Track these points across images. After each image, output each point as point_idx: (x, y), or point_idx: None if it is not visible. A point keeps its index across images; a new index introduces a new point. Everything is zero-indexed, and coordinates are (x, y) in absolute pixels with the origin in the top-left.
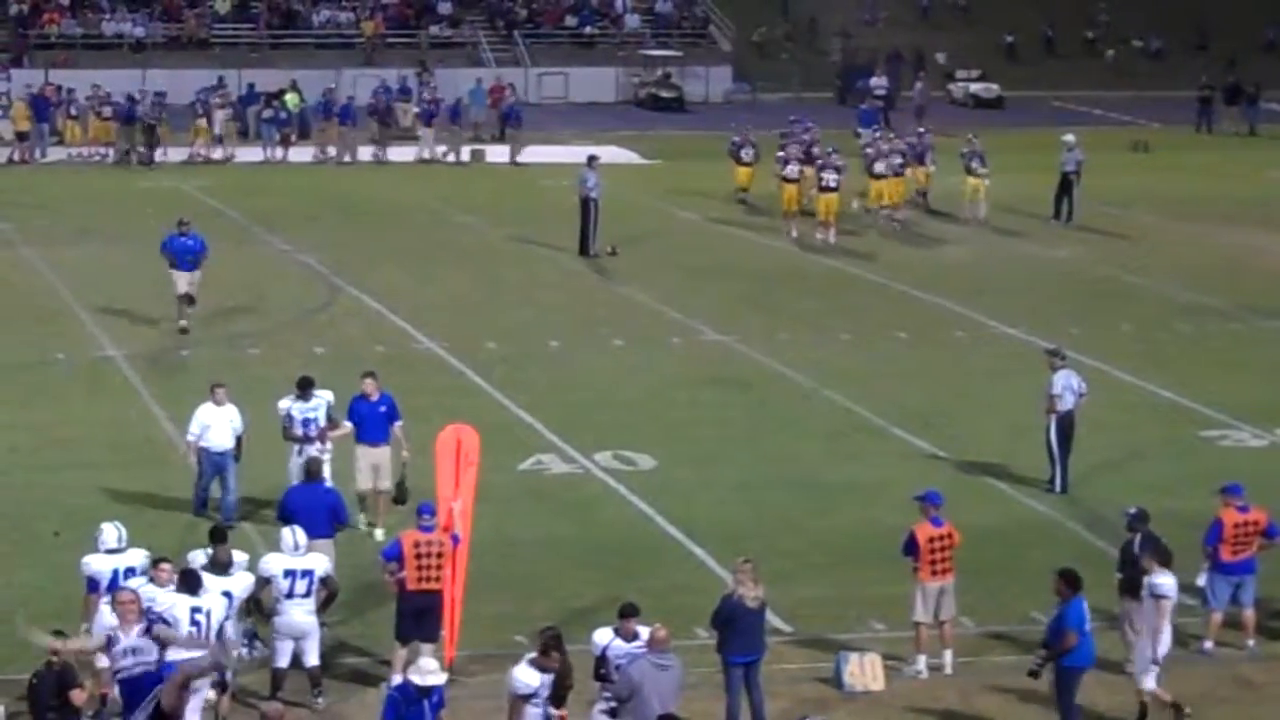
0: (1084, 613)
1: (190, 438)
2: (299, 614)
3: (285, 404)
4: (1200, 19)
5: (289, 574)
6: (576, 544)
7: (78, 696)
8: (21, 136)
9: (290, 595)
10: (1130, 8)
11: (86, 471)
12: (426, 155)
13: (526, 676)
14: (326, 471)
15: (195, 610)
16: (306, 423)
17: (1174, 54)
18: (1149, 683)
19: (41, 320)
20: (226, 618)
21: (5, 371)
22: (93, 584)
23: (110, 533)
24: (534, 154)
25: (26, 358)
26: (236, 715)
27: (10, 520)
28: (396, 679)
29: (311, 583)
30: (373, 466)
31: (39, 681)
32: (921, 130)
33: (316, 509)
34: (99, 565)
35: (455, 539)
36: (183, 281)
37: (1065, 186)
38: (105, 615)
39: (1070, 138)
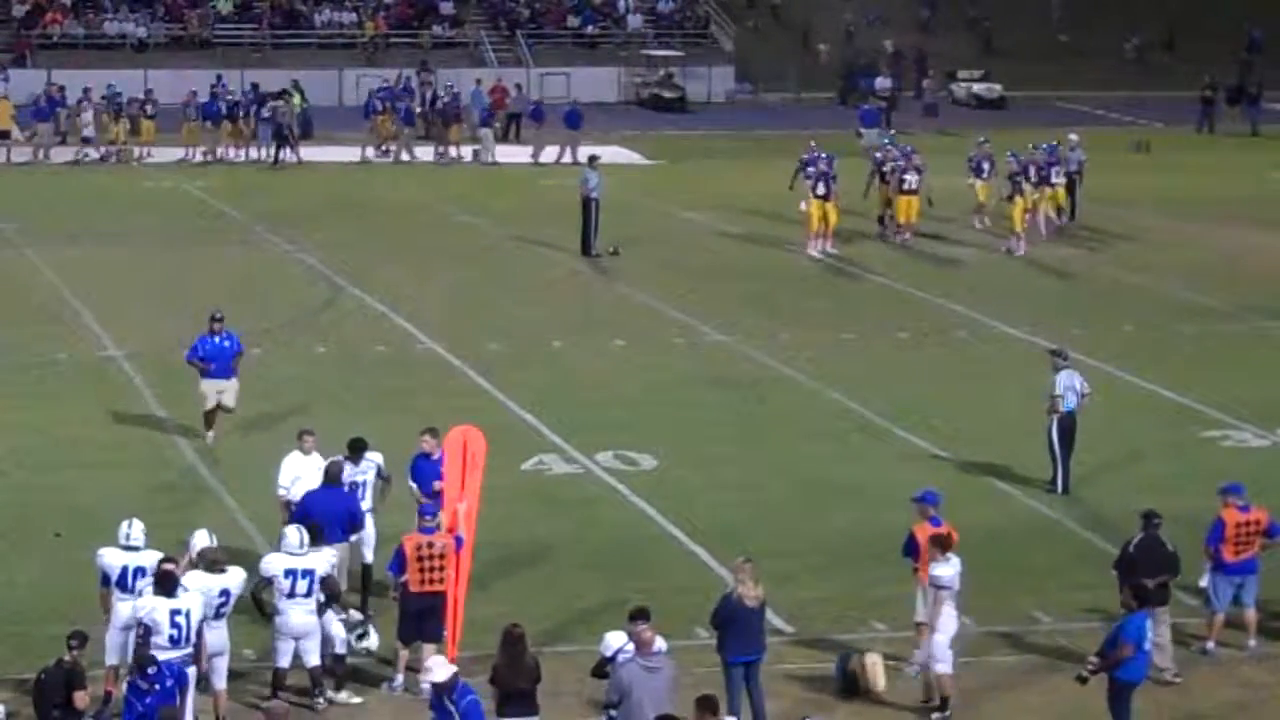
0: (1145, 628)
1: (281, 491)
2: (300, 614)
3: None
4: (1199, 20)
5: (290, 574)
6: (578, 544)
7: (80, 699)
8: (4, 135)
9: (292, 595)
10: (1133, 7)
11: (87, 471)
12: (489, 158)
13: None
14: (371, 528)
15: (175, 612)
16: (355, 486)
17: (1176, 54)
18: (941, 668)
19: (43, 320)
20: (223, 614)
21: (6, 371)
22: (104, 578)
23: (125, 528)
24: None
25: (28, 358)
26: (239, 715)
27: (10, 520)
28: (398, 679)
29: (313, 582)
30: None
31: (46, 679)
32: (1051, 146)
33: (334, 513)
34: (111, 559)
35: (459, 541)
36: (213, 392)
37: (1067, 186)
38: (121, 611)
39: (1073, 137)
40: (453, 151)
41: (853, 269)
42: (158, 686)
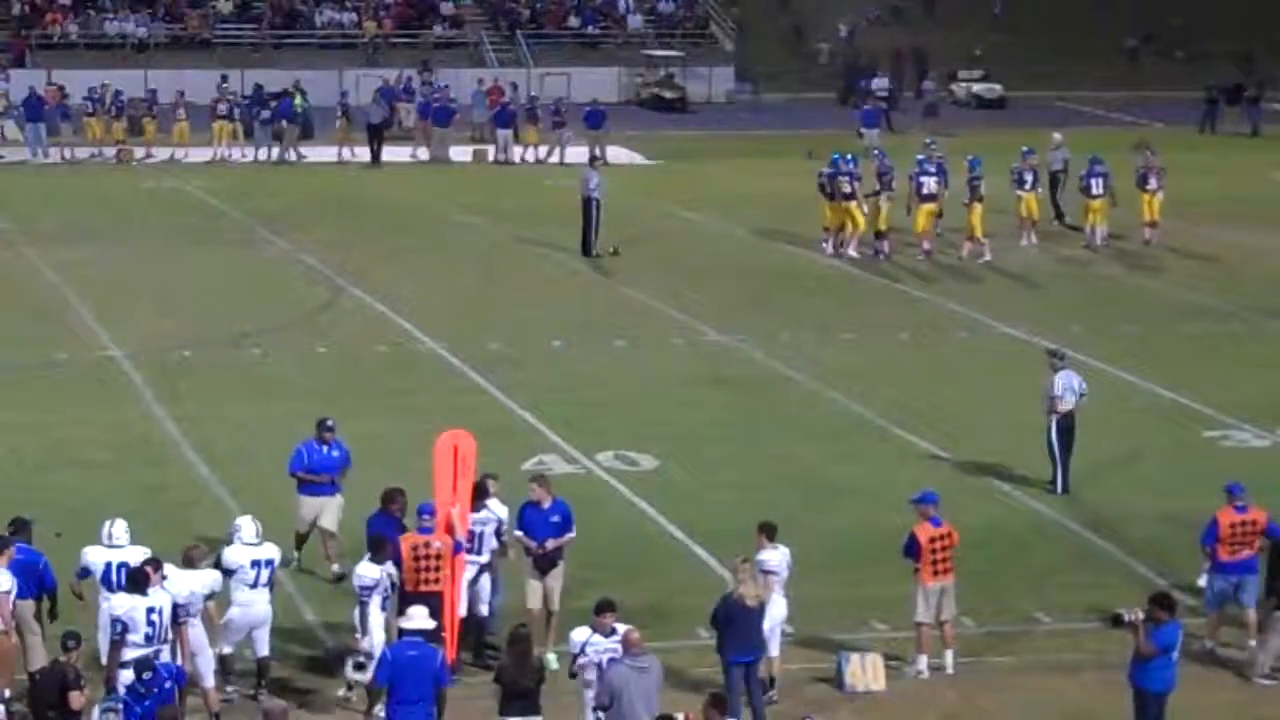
0: (1177, 638)
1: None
2: (263, 603)
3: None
4: (1200, 19)
5: (255, 564)
6: (578, 544)
7: (75, 700)
8: None
9: (255, 585)
10: (1134, 6)
11: (87, 472)
12: (521, 158)
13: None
14: (486, 580)
15: (150, 610)
16: (471, 536)
17: (1177, 53)
18: (771, 651)
19: (43, 320)
20: (192, 613)
21: (6, 371)
22: (83, 570)
23: (108, 527)
24: (535, 154)
25: (28, 358)
26: (237, 714)
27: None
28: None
29: (272, 571)
30: (547, 587)
31: (41, 679)
32: (1093, 156)
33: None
34: (93, 556)
35: (459, 546)
36: (314, 510)
37: (1053, 185)
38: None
39: (1057, 136)
40: (517, 153)
41: (853, 269)
42: (156, 690)
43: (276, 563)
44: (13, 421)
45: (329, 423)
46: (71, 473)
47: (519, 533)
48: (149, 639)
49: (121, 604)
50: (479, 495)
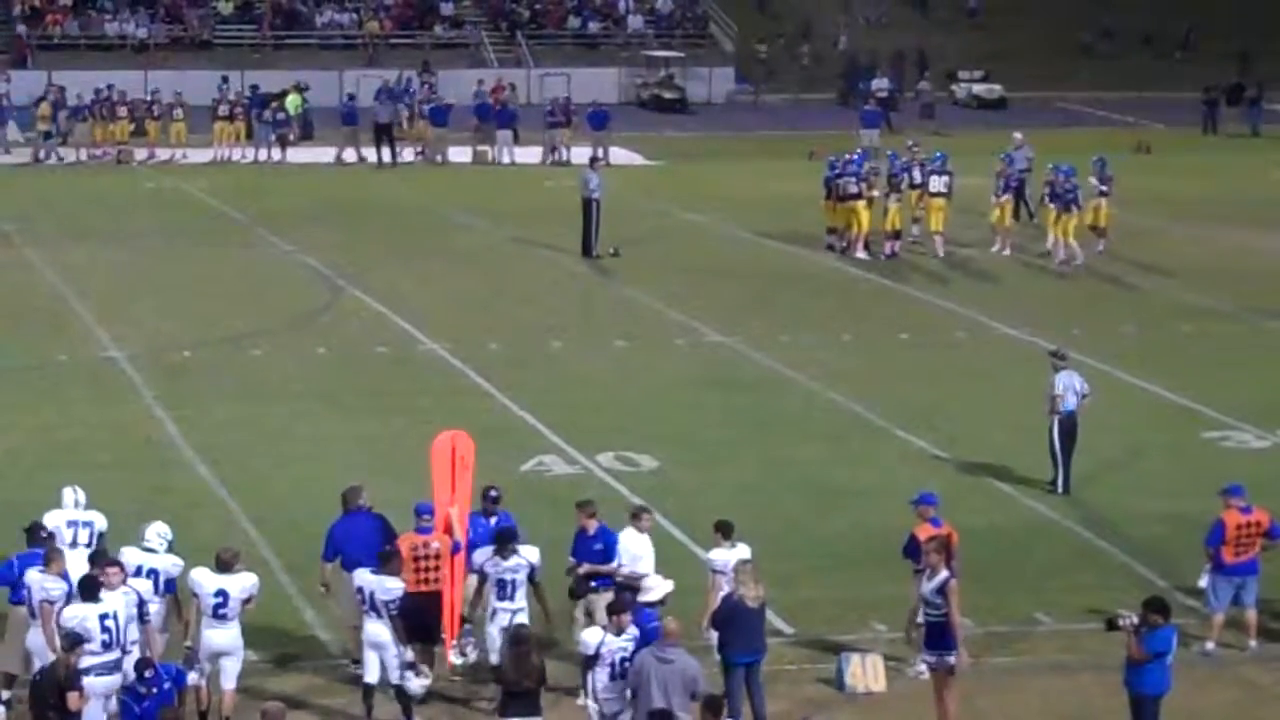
0: (1171, 642)
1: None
2: (81, 563)
3: (480, 558)
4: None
5: (71, 524)
6: None
7: (74, 701)
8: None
9: (74, 545)
10: (1134, 6)
11: (87, 472)
12: (508, 159)
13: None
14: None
15: (104, 616)
16: (502, 584)
17: (1177, 54)
18: None
19: (44, 321)
20: (223, 616)
21: (7, 373)
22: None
23: (143, 530)
24: (535, 154)
25: (28, 359)
26: (239, 715)
27: (11, 521)
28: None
29: (91, 533)
30: (589, 615)
31: (42, 680)
32: (1069, 169)
33: (362, 540)
34: (127, 558)
35: (457, 546)
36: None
37: (1017, 188)
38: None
39: (1018, 136)
40: (562, 153)
41: (854, 270)
42: (155, 690)
43: (96, 527)
44: (14, 422)
45: (494, 493)
46: (72, 474)
47: (570, 558)
48: (106, 645)
49: (73, 614)
50: (506, 540)
